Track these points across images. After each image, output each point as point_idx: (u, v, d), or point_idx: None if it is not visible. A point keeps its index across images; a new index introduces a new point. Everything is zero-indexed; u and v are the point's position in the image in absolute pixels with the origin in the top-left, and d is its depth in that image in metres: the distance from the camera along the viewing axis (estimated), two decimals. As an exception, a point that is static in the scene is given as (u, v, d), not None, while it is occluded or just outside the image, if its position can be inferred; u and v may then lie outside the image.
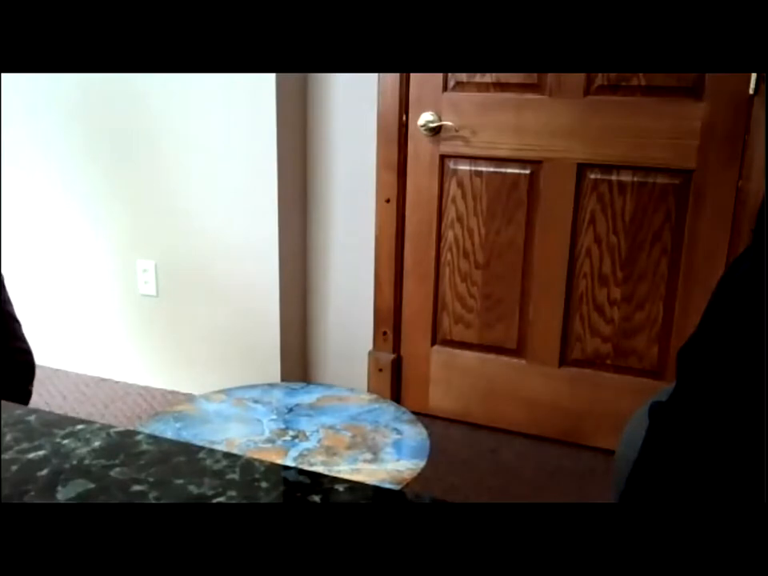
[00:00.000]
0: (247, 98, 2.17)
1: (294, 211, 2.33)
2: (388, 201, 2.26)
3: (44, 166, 2.51)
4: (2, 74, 2.41)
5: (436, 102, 2.16)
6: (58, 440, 0.67)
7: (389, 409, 1.69)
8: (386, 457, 1.47)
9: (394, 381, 2.41)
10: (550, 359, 2.22)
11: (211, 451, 0.66)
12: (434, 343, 2.35)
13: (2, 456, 0.64)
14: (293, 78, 2.23)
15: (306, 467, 1.31)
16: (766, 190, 1.86)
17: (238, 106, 2.19)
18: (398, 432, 1.58)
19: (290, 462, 1.42)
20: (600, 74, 1.98)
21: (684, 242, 2.01)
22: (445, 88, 2.15)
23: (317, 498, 0.58)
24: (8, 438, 0.67)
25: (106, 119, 2.37)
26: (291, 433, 1.56)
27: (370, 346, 2.41)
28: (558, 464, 2.13)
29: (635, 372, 2.14)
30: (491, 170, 2.15)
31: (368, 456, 1.47)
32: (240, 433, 1.55)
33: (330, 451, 1.48)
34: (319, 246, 2.40)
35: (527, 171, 2.12)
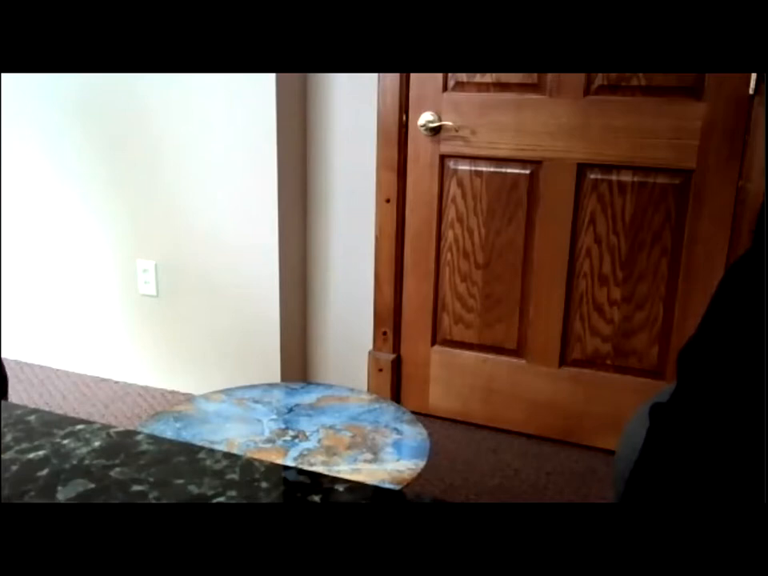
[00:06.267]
0: (247, 98, 2.17)
1: (294, 211, 2.33)
2: (388, 201, 2.26)
3: (44, 166, 2.51)
4: (2, 74, 2.41)
5: (436, 102, 2.16)
6: (57, 440, 0.67)
7: (389, 409, 1.69)
8: (386, 457, 1.47)
9: (394, 381, 2.41)
10: (550, 359, 2.22)
11: (211, 451, 0.66)
12: (434, 343, 2.35)
13: (2, 456, 0.64)
14: (293, 77, 2.23)
15: (306, 467, 1.31)
16: (766, 189, 1.86)
17: (237, 106, 2.19)
18: (398, 432, 1.58)
19: (290, 462, 1.42)
20: (600, 74, 1.98)
21: (684, 242, 2.01)
22: (445, 88, 2.15)
23: (317, 498, 0.58)
24: (8, 438, 0.67)
25: (106, 119, 2.37)
26: (291, 433, 1.56)
27: (370, 345, 2.41)
28: (558, 464, 2.13)
29: (635, 372, 2.14)
30: (491, 169, 2.15)
31: (368, 456, 1.47)
32: (240, 433, 1.55)
33: (330, 451, 1.48)
34: (319, 246, 2.40)
35: (527, 171, 2.12)
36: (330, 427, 1.59)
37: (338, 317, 2.44)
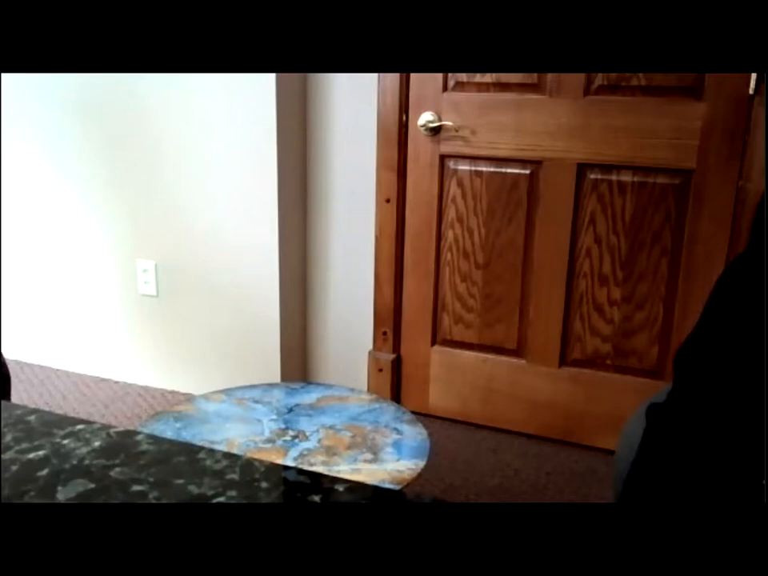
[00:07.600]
0: (247, 98, 2.17)
1: (294, 211, 2.33)
2: (388, 201, 2.26)
3: (44, 166, 2.51)
4: (2, 74, 2.41)
5: (436, 102, 2.16)
6: (57, 440, 0.67)
7: (389, 409, 1.69)
8: (386, 457, 1.47)
9: (394, 381, 2.41)
10: (550, 359, 2.22)
11: (211, 451, 0.66)
12: (434, 343, 2.35)
13: (2, 456, 0.64)
14: (293, 77, 2.23)
15: (306, 467, 1.31)
16: (765, 190, 1.86)
17: (237, 106, 2.19)
18: (398, 432, 1.58)
19: (290, 462, 1.42)
20: (600, 74, 1.98)
21: (684, 242, 2.01)
22: (445, 88, 2.15)
23: (317, 498, 0.58)
24: (8, 438, 0.67)
25: (106, 119, 2.37)
26: (291, 433, 1.56)
27: (370, 345, 2.41)
28: (558, 464, 2.13)
29: (635, 372, 2.14)
30: (491, 169, 2.15)
31: (368, 456, 1.47)
32: (240, 433, 1.55)
33: (330, 451, 1.48)
34: (319, 246, 2.40)
35: (527, 171, 2.12)
36: (330, 427, 1.59)
37: (338, 317, 2.44)
